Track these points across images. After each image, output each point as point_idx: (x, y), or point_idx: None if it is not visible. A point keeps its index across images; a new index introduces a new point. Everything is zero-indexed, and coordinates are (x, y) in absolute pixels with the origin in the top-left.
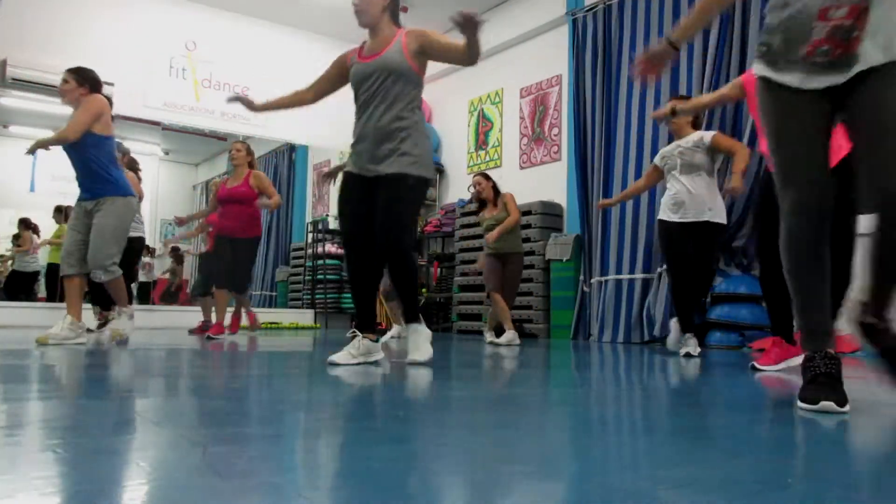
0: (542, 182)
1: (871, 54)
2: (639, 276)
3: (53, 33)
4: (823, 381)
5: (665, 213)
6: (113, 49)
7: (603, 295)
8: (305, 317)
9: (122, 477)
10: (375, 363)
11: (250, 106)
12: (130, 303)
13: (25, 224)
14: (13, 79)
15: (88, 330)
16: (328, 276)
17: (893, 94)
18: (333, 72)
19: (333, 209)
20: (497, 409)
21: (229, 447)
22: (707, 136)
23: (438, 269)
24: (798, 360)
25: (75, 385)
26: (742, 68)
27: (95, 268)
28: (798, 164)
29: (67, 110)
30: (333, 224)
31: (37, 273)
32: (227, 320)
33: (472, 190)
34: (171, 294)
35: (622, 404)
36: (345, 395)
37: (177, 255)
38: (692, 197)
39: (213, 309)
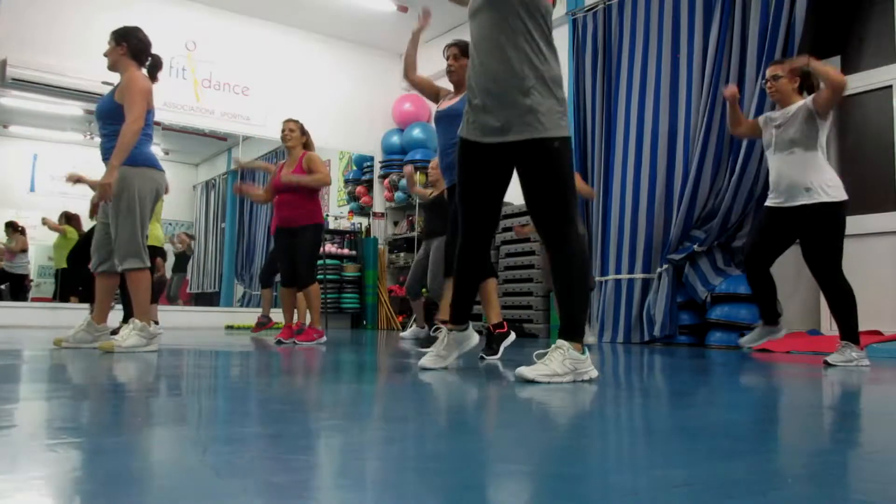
0: None
1: None
2: (639, 276)
3: (53, 33)
4: None
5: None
6: None
7: (603, 295)
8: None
9: (122, 477)
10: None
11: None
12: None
13: (13, 227)
14: (13, 79)
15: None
16: (328, 276)
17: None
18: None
19: (333, 209)
20: (497, 409)
21: (229, 447)
22: (810, 100)
23: None
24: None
25: (75, 385)
26: (742, 68)
27: (117, 255)
28: None
29: (67, 110)
30: (333, 224)
31: (27, 275)
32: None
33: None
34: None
35: (622, 404)
36: (345, 394)
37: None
38: (783, 179)
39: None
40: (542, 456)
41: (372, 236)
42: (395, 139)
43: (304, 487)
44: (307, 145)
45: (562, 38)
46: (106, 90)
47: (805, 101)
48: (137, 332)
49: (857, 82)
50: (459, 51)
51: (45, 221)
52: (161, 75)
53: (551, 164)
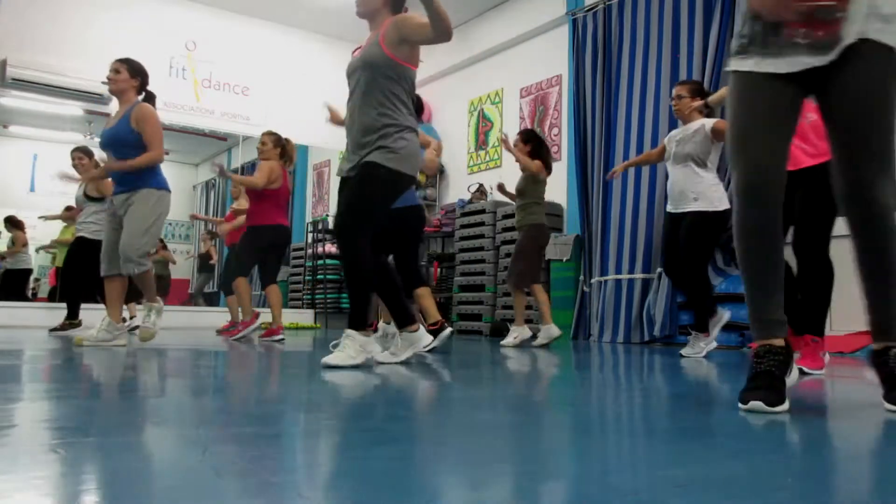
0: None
1: (852, 35)
2: (639, 276)
3: (53, 33)
4: (759, 381)
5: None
6: (113, 49)
7: (603, 295)
8: (305, 317)
9: (122, 477)
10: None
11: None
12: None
13: (13, 223)
14: (13, 79)
15: (131, 330)
16: (328, 276)
17: (871, 77)
18: None
19: (333, 209)
20: (497, 409)
21: (229, 447)
22: (709, 122)
23: (438, 269)
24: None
25: (76, 385)
26: None
27: (126, 261)
28: (751, 142)
29: (67, 110)
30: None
31: (30, 271)
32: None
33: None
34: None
35: (622, 404)
36: (344, 395)
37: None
38: (674, 187)
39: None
40: (542, 456)
41: None
42: None
43: (304, 487)
44: (284, 155)
45: (562, 38)
46: (106, 90)
47: (704, 123)
48: (155, 313)
49: None
50: None
51: (46, 218)
52: (161, 75)
53: (358, 181)
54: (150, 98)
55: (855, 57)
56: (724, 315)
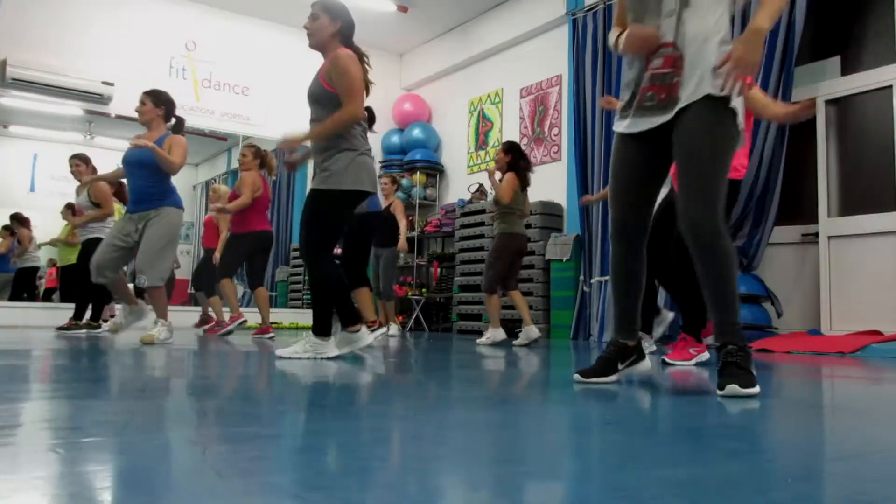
0: (542, 182)
1: (686, 94)
2: None
3: (53, 33)
4: (597, 364)
5: None
6: (113, 49)
7: (603, 295)
8: (305, 317)
9: (122, 477)
10: (368, 347)
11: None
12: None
13: (19, 220)
14: (13, 79)
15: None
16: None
17: (696, 127)
18: None
19: None
20: (497, 408)
21: (229, 447)
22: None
23: (438, 269)
24: (704, 356)
25: (76, 385)
26: None
27: (140, 271)
28: (615, 194)
29: (67, 110)
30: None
31: (37, 269)
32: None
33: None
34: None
35: (622, 404)
36: (345, 394)
37: None
38: None
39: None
40: (542, 455)
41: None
42: (395, 139)
43: (304, 487)
44: (263, 165)
45: (562, 38)
46: (106, 90)
47: None
48: (165, 328)
49: (857, 82)
50: None
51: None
52: (161, 75)
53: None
54: (180, 124)
55: (686, 111)
56: (669, 316)
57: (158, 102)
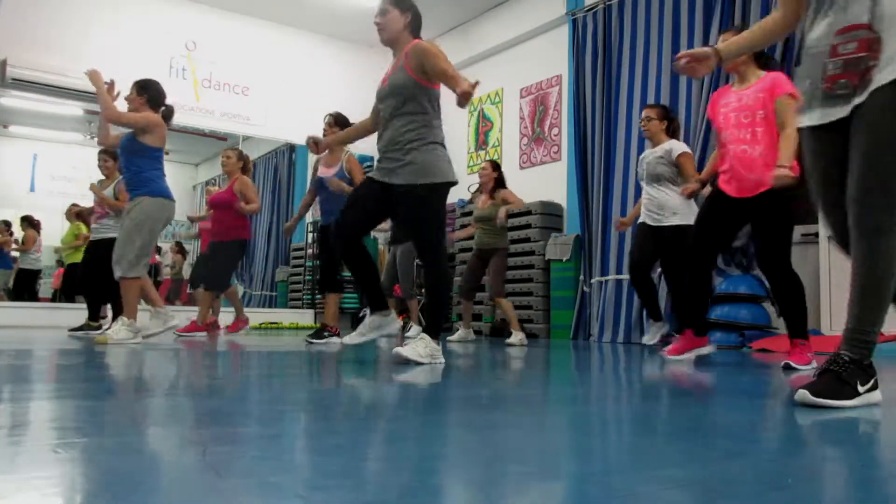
0: (542, 182)
1: (880, 78)
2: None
3: (53, 33)
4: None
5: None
6: (113, 49)
7: (603, 295)
8: (305, 317)
9: (122, 477)
10: (390, 336)
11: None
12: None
13: (28, 222)
14: (13, 79)
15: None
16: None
17: (887, 113)
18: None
19: None
20: (497, 408)
21: (229, 447)
22: (677, 150)
23: None
24: (704, 350)
25: (76, 385)
26: None
27: (115, 262)
28: (820, 195)
29: (67, 110)
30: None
31: (40, 271)
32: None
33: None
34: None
35: (622, 404)
36: (345, 394)
37: (181, 249)
38: (652, 203)
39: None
40: (542, 455)
41: (372, 237)
42: None
43: (304, 487)
44: (245, 170)
45: (562, 38)
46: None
47: (672, 148)
48: (126, 328)
49: None
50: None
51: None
52: (161, 75)
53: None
54: (169, 112)
55: (873, 96)
56: (665, 326)
57: (141, 90)
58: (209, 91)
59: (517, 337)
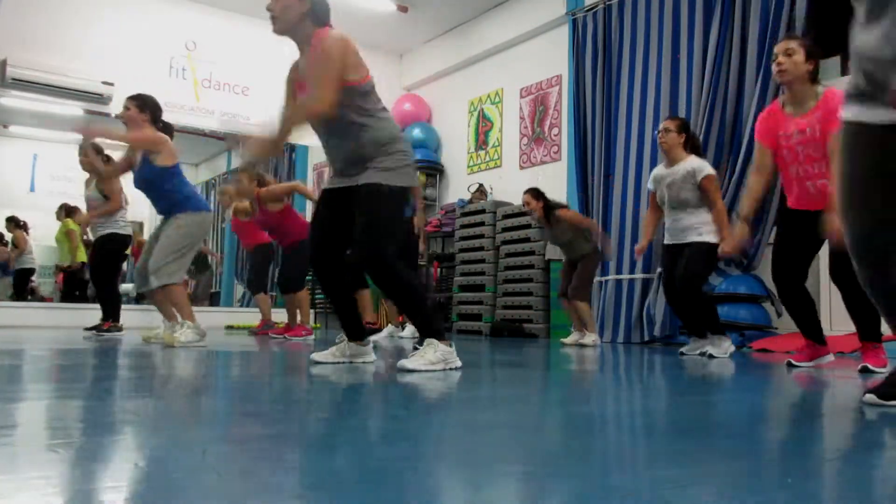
0: (542, 182)
1: None
2: (639, 276)
3: (53, 33)
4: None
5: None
6: (113, 49)
7: (603, 295)
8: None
9: (122, 477)
10: (365, 363)
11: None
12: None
13: (15, 223)
14: (13, 79)
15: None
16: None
17: None
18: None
19: None
20: (497, 408)
21: (229, 447)
22: (701, 172)
23: (438, 269)
24: (828, 358)
25: (77, 386)
26: (742, 68)
27: (151, 273)
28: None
29: (67, 110)
30: None
31: (32, 270)
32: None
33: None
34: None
35: (622, 404)
36: (345, 395)
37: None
38: (677, 226)
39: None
40: (542, 455)
41: None
42: None
43: (305, 487)
44: (261, 183)
45: (562, 38)
46: (106, 90)
47: (694, 169)
48: (192, 330)
49: None
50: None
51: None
52: (161, 75)
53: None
54: (168, 129)
55: None
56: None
57: (144, 107)
58: (209, 91)
59: (590, 338)
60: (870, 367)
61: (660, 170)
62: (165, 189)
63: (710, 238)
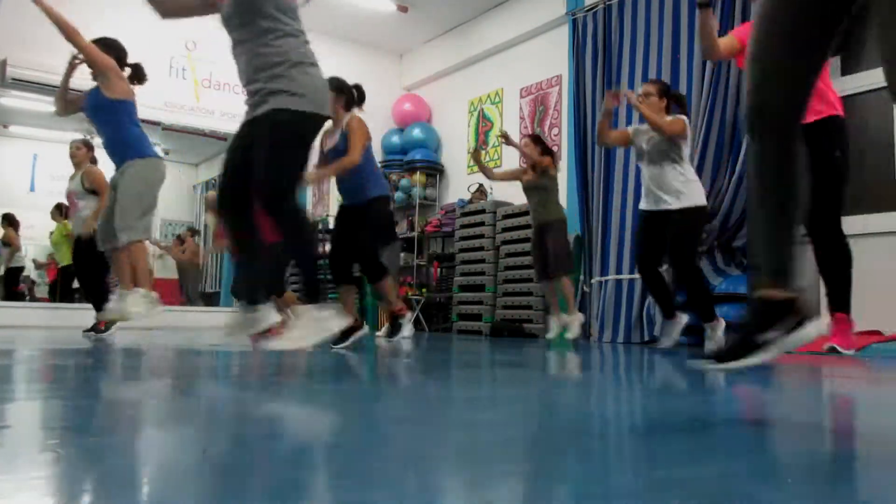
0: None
1: None
2: (639, 276)
3: (53, 33)
4: None
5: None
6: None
7: (603, 295)
8: None
9: (122, 477)
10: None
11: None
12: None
13: (8, 221)
14: (13, 79)
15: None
16: (328, 276)
17: None
18: None
19: (334, 209)
20: (497, 408)
21: (229, 447)
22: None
23: (438, 269)
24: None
25: (76, 385)
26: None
27: (119, 231)
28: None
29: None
30: (334, 224)
31: (22, 269)
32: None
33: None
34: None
35: (622, 404)
36: (344, 394)
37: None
38: (653, 183)
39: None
40: (542, 455)
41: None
42: (396, 139)
43: (305, 487)
44: None
45: (562, 38)
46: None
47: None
48: (143, 298)
49: (858, 82)
50: None
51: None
52: (161, 75)
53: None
54: (138, 72)
55: None
56: (683, 319)
57: (109, 49)
58: (209, 91)
59: (575, 319)
60: (837, 347)
61: (641, 125)
62: (109, 121)
63: (696, 200)
